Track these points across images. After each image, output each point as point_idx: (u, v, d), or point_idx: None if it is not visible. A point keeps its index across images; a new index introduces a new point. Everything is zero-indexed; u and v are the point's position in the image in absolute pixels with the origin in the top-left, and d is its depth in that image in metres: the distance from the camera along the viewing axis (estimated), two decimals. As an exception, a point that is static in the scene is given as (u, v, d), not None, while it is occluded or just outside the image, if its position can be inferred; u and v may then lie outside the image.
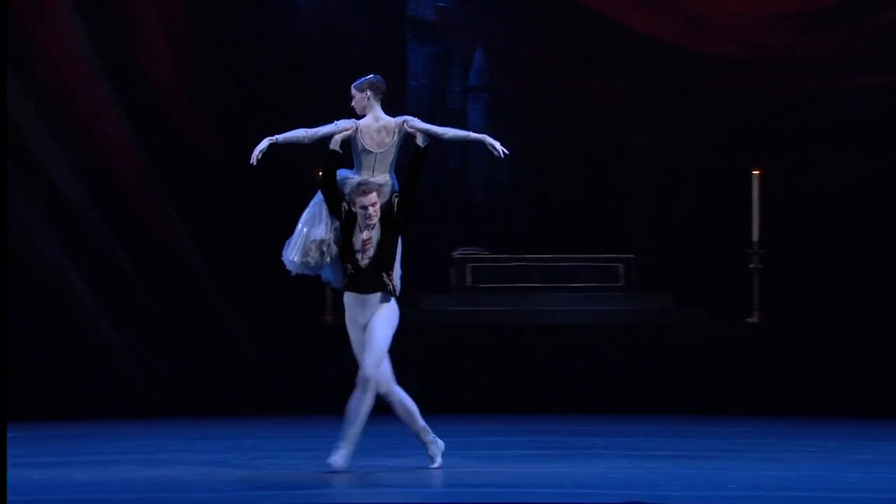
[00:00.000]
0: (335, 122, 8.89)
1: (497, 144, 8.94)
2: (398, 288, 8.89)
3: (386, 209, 8.72)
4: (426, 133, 8.86)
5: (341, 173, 8.86)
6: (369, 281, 8.71)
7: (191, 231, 14.35)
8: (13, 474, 8.74)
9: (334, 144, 8.81)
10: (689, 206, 15.19)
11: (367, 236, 8.68)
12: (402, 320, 9.02)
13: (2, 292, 9.85)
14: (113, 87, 14.05)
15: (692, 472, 8.94)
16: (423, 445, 8.95)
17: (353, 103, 8.96)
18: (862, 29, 15.02)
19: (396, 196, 8.76)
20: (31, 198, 13.86)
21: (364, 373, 8.76)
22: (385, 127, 8.83)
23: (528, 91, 15.31)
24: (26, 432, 12.03)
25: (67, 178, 13.98)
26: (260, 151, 8.73)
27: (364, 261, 8.68)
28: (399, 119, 8.89)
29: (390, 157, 8.82)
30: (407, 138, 8.89)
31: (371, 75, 9.02)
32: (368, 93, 8.87)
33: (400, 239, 8.89)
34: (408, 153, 9.03)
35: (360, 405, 8.77)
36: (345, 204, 8.72)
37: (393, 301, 8.83)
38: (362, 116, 8.89)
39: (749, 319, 13.99)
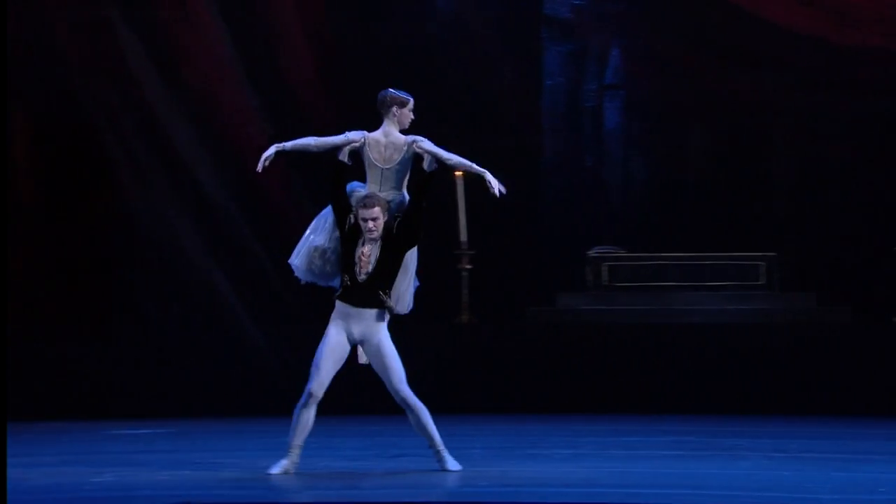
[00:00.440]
0: (345, 133, 8.82)
1: (495, 183, 8.81)
2: (403, 306, 8.79)
3: (389, 227, 8.65)
4: (433, 156, 8.74)
5: (352, 185, 8.82)
6: (364, 296, 8.62)
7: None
8: (165, 469, 8.89)
9: (342, 156, 8.74)
10: (833, 203, 14.92)
11: (368, 251, 8.62)
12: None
13: (2, 292, 9.96)
14: (255, 90, 14.24)
15: (841, 474, 8.76)
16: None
17: (402, 117, 8.81)
18: None
19: (397, 217, 8.68)
20: (177, 198, 14.11)
21: (401, 395, 8.77)
22: (393, 143, 8.74)
23: (665, 88, 15.16)
24: (173, 429, 12.23)
25: (211, 180, 14.20)
26: (266, 158, 8.72)
27: (361, 275, 8.62)
28: (409, 138, 8.79)
29: (399, 174, 8.75)
30: (417, 160, 8.79)
31: (392, 90, 8.89)
32: (395, 108, 8.77)
33: (415, 258, 8.80)
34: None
35: (420, 420, 8.80)
36: (351, 216, 8.68)
37: (384, 318, 8.71)
38: (402, 130, 8.82)
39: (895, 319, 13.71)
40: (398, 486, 8.31)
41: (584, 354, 13.73)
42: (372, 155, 8.72)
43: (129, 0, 14.25)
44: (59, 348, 13.89)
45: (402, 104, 8.78)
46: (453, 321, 14.24)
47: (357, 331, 8.66)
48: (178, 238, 14.12)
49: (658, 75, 15.20)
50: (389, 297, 8.67)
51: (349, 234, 8.64)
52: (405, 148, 8.72)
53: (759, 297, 13.97)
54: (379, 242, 8.61)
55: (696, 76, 15.10)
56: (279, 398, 13.54)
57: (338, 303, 8.68)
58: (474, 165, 8.86)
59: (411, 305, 8.93)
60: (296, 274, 8.90)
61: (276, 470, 8.64)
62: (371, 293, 8.61)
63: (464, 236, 14.20)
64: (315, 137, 8.82)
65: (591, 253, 14.38)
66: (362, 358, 8.85)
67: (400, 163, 8.71)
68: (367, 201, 8.59)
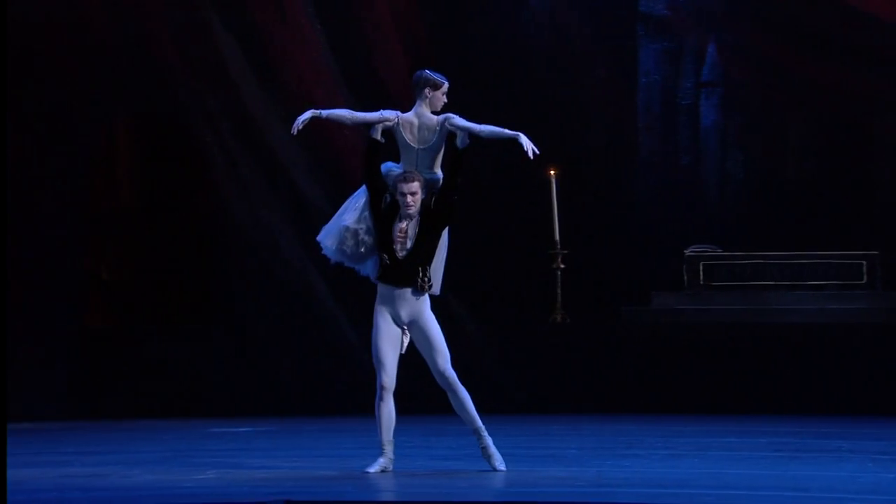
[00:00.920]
0: (380, 111, 8.76)
1: (529, 144, 8.63)
2: (437, 287, 8.70)
3: (426, 205, 8.61)
4: (465, 131, 8.67)
5: (387, 166, 8.76)
6: (404, 273, 8.57)
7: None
8: (264, 467, 8.97)
9: (375, 133, 8.71)
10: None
11: (405, 227, 8.57)
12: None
13: (2, 292, 10.02)
14: (350, 90, 14.32)
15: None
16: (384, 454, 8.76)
17: (434, 99, 8.77)
18: None
19: (433, 194, 8.64)
20: (273, 199, 14.23)
21: (445, 376, 8.66)
22: (426, 124, 8.70)
23: (763, 84, 15.01)
24: (271, 427, 12.34)
25: (307, 180, 14.30)
26: (302, 121, 8.72)
27: (401, 252, 8.57)
28: (441, 116, 8.72)
29: (434, 154, 8.71)
30: (450, 138, 8.73)
31: (429, 71, 8.84)
32: (427, 89, 8.73)
33: (446, 240, 8.75)
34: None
35: (462, 404, 8.69)
36: (387, 195, 8.64)
37: (426, 296, 8.64)
38: (435, 111, 8.76)
39: None
40: (493, 486, 8.31)
41: (680, 354, 13.63)
42: (405, 135, 8.70)
43: (227, 3, 14.40)
44: (159, 348, 14.07)
45: (436, 86, 8.74)
46: (547, 320, 14.21)
47: (404, 313, 8.63)
48: (274, 238, 14.24)
49: (756, 71, 15.05)
50: (429, 276, 8.64)
51: (386, 214, 8.62)
52: (438, 128, 8.69)
53: (860, 296, 13.77)
54: (417, 219, 8.59)
55: (795, 71, 14.93)
56: (374, 397, 13.63)
57: (379, 286, 8.66)
58: (505, 130, 8.74)
59: (440, 290, 8.84)
60: (324, 252, 8.85)
61: (373, 469, 8.68)
62: (411, 270, 8.57)
63: (557, 235, 14.17)
64: (350, 111, 8.83)
65: (688, 252, 14.27)
66: (402, 347, 8.80)
67: (433, 143, 8.69)
68: (407, 175, 8.59)
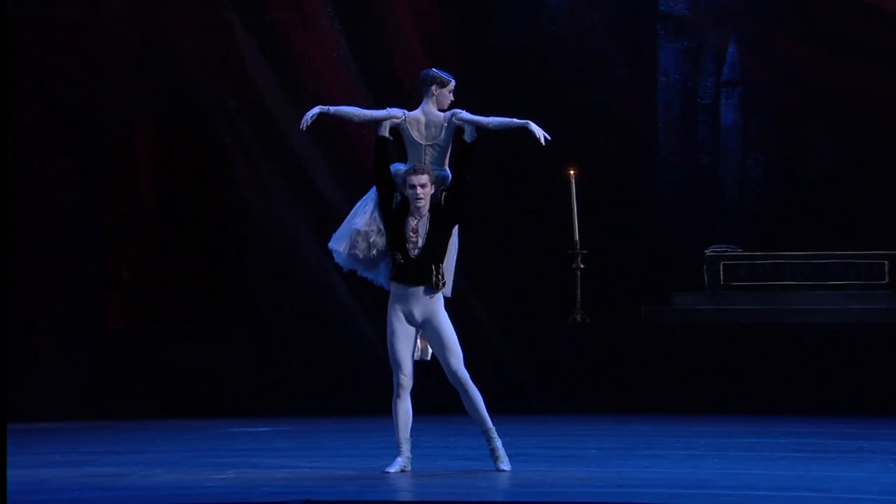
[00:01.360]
0: (387, 108, 8.77)
1: (539, 131, 8.62)
2: (448, 286, 8.69)
3: (435, 202, 8.60)
4: (473, 124, 8.67)
5: (395, 166, 8.76)
6: (417, 272, 8.56)
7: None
8: (284, 467, 8.98)
9: (382, 130, 8.73)
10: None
11: (416, 225, 8.56)
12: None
13: (2, 292, 10.03)
14: (370, 91, 14.33)
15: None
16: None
17: (441, 97, 8.78)
18: None
19: (443, 190, 8.63)
20: (293, 199, 14.25)
21: (458, 376, 8.65)
22: (433, 121, 8.71)
23: (784, 83, 14.97)
24: (291, 427, 12.35)
25: (327, 180, 14.32)
26: (311, 117, 8.76)
27: (414, 251, 8.56)
28: (448, 113, 8.73)
29: (442, 151, 8.70)
30: (457, 132, 8.72)
31: (435, 70, 8.85)
32: (434, 87, 8.74)
33: (456, 241, 8.73)
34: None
35: (473, 404, 8.68)
36: (397, 194, 8.64)
37: (440, 296, 8.63)
38: (442, 109, 8.77)
39: None
40: (512, 486, 8.30)
41: (700, 354, 13.60)
42: (413, 133, 8.71)
43: (247, 4, 14.42)
44: (178, 348, 14.10)
45: (443, 84, 8.76)
46: (567, 320, 14.20)
47: (417, 312, 8.62)
48: (294, 238, 14.26)
49: (776, 70, 15.01)
50: (442, 273, 8.64)
51: (396, 213, 8.62)
52: (446, 124, 8.70)
53: (882, 296, 13.72)
54: (427, 216, 8.58)
55: (815, 71, 14.89)
56: (392, 396, 13.65)
57: (393, 285, 8.65)
58: (514, 120, 8.73)
59: (451, 292, 8.83)
60: (336, 260, 8.85)
61: (393, 469, 8.68)
62: (425, 269, 8.56)
63: (577, 235, 14.16)
64: (358, 108, 8.86)
65: (708, 252, 14.24)
66: (426, 354, 8.80)
67: (441, 139, 8.70)
68: (417, 168, 8.59)
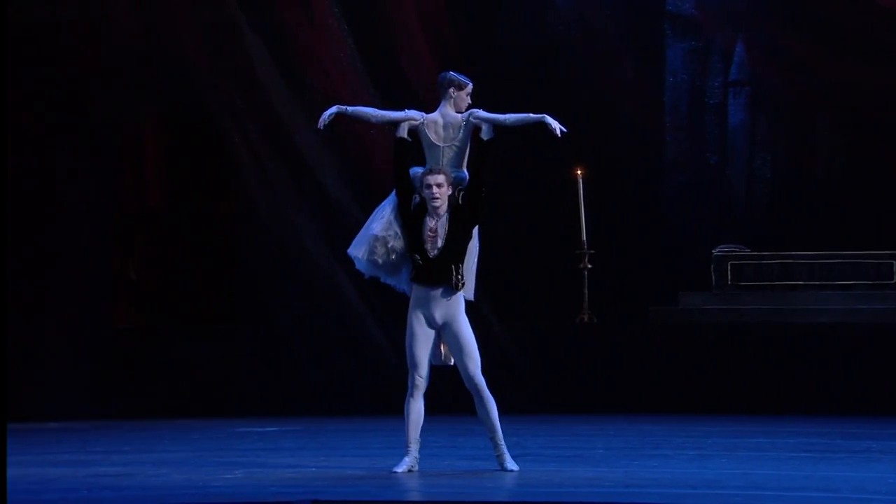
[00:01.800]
0: (405, 110, 8.78)
1: (555, 124, 8.66)
2: (471, 292, 8.71)
3: (453, 203, 8.61)
4: (490, 122, 8.70)
5: (413, 170, 8.75)
6: (437, 272, 8.55)
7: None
8: (292, 467, 8.98)
9: (401, 132, 8.73)
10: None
11: (435, 225, 8.56)
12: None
13: (2, 292, 10.03)
14: (377, 91, 14.34)
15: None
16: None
17: (458, 100, 8.80)
18: None
19: (461, 190, 8.63)
20: (301, 200, 14.26)
21: (474, 381, 8.66)
22: (451, 123, 8.74)
23: (792, 83, 14.95)
24: (298, 427, 12.35)
25: (334, 181, 14.32)
26: (328, 117, 8.78)
27: (433, 251, 8.56)
28: (465, 113, 8.76)
29: (459, 153, 8.72)
30: (475, 132, 8.73)
31: (453, 73, 8.87)
32: (452, 89, 8.77)
33: (477, 244, 8.73)
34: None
35: (487, 411, 8.70)
36: (416, 196, 8.64)
37: (461, 298, 8.63)
38: (459, 111, 8.78)
39: None
40: (520, 486, 8.30)
41: (707, 354, 13.59)
42: (430, 135, 8.73)
43: (255, 4, 14.43)
44: (186, 347, 14.10)
45: (461, 87, 8.79)
46: (574, 320, 14.19)
47: (438, 314, 8.61)
48: (301, 239, 14.26)
49: (784, 70, 14.99)
50: (462, 274, 8.62)
51: (415, 214, 8.63)
52: (463, 124, 8.73)
53: (890, 296, 13.70)
54: (446, 216, 8.59)
55: (824, 71, 14.86)
56: (401, 397, 13.65)
57: (413, 287, 8.65)
58: (530, 115, 8.78)
59: (473, 296, 8.83)
60: (357, 267, 8.85)
61: (400, 469, 8.68)
62: (444, 269, 8.56)
63: (584, 235, 14.15)
64: (375, 109, 8.88)
65: (716, 252, 14.23)
66: (450, 359, 8.79)
67: (459, 140, 8.72)
68: (434, 168, 8.61)
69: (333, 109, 8.84)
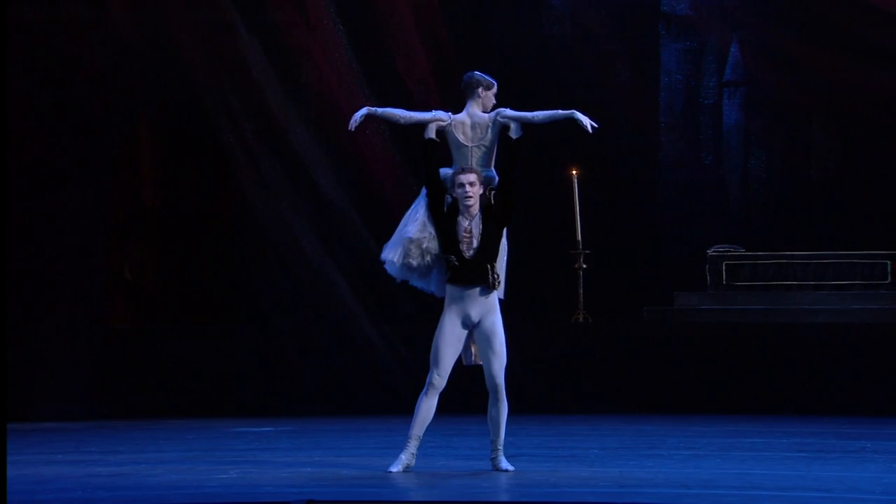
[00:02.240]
0: (433, 111, 8.80)
1: (586, 120, 8.70)
2: (502, 288, 8.72)
3: (485, 203, 8.63)
4: (518, 121, 8.73)
5: (443, 171, 8.77)
6: (474, 272, 8.57)
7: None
8: (287, 467, 8.99)
9: (429, 133, 8.74)
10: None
11: (470, 226, 8.59)
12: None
13: (2, 292, 10.04)
14: (372, 91, 14.35)
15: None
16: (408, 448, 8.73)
17: (486, 100, 8.83)
18: None
19: (492, 190, 8.65)
20: (296, 200, 14.26)
21: (496, 380, 8.69)
22: (478, 123, 8.77)
23: (787, 83, 14.98)
24: (293, 427, 12.35)
25: (329, 181, 14.33)
26: (359, 118, 8.77)
27: (468, 252, 8.58)
28: (492, 113, 8.79)
29: (488, 151, 8.74)
30: (503, 132, 8.74)
31: (478, 73, 8.89)
32: (480, 89, 8.79)
33: (506, 243, 8.75)
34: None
35: (498, 414, 8.72)
36: (448, 195, 8.65)
37: (496, 297, 8.66)
38: (486, 111, 8.80)
39: None
40: (515, 486, 8.31)
41: (702, 354, 13.61)
42: (458, 136, 8.75)
43: (250, 4, 14.43)
44: (181, 347, 14.10)
45: (488, 87, 8.83)
46: (569, 320, 14.20)
47: (474, 312, 8.62)
48: (296, 239, 14.27)
49: (778, 70, 15.01)
50: (497, 273, 8.64)
51: (448, 215, 8.64)
52: (490, 123, 8.75)
53: (884, 296, 13.73)
54: (479, 216, 8.60)
55: (818, 71, 14.89)
56: (396, 397, 13.67)
57: (448, 287, 8.65)
58: (559, 111, 8.82)
59: (504, 294, 8.85)
60: (389, 271, 8.85)
61: (396, 468, 8.68)
62: (480, 269, 8.58)
63: (580, 235, 14.16)
64: (404, 110, 8.87)
65: (710, 252, 14.25)
66: (479, 360, 8.81)
67: (488, 140, 8.74)
68: (465, 168, 8.64)
69: (363, 111, 8.86)
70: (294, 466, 9.20)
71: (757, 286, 14.06)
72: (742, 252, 14.27)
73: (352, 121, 8.83)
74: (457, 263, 8.61)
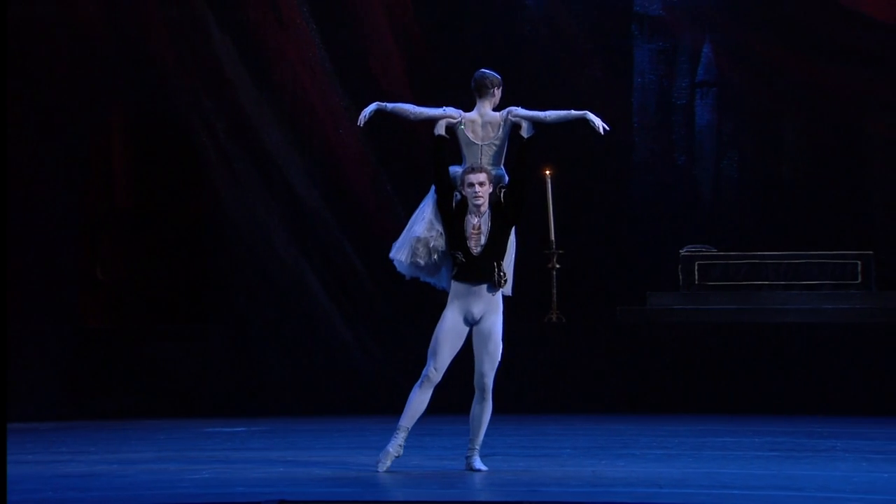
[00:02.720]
0: (443, 108, 8.79)
1: (598, 122, 8.74)
2: (509, 285, 8.72)
3: (495, 201, 8.63)
4: (530, 120, 8.74)
5: (451, 169, 8.77)
6: (480, 270, 8.57)
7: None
8: (259, 467, 8.97)
9: (439, 129, 8.73)
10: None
11: (479, 223, 8.58)
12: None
13: (2, 292, 10.01)
14: (345, 92, 14.33)
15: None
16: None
17: (497, 98, 8.84)
18: None
19: (502, 188, 8.66)
20: (269, 199, 14.24)
21: (485, 380, 8.73)
22: (490, 121, 8.76)
23: (759, 84, 15.03)
24: (266, 427, 12.33)
25: (302, 180, 14.31)
26: (369, 113, 8.74)
27: (476, 249, 8.57)
28: (503, 112, 8.79)
29: (497, 151, 8.74)
30: (514, 130, 8.75)
31: (487, 70, 8.90)
32: (495, 88, 8.81)
33: (514, 242, 8.75)
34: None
35: (481, 414, 8.75)
36: (457, 193, 8.65)
37: (500, 297, 8.67)
38: (495, 109, 8.82)
39: None
40: (488, 486, 8.31)
41: (675, 354, 13.64)
42: (468, 134, 8.73)
43: (222, 2, 14.40)
44: (153, 347, 14.06)
45: (499, 85, 8.86)
46: (543, 320, 14.21)
47: (477, 309, 8.61)
48: (269, 238, 14.25)
49: (750, 71, 15.06)
50: (504, 271, 8.63)
51: (456, 212, 8.62)
52: (502, 122, 8.73)
53: (855, 296, 13.80)
54: (489, 213, 8.59)
55: (790, 72, 14.95)
56: (369, 397, 13.67)
57: (454, 283, 8.62)
58: (572, 111, 8.85)
59: (511, 291, 8.86)
60: (399, 270, 8.84)
61: (382, 464, 8.65)
62: (487, 267, 8.56)
63: (553, 235, 14.17)
64: (414, 105, 8.84)
65: (683, 252, 14.29)
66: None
67: (498, 138, 8.72)
68: (475, 167, 8.62)
69: (373, 106, 8.80)
70: (266, 466, 9.18)
71: (729, 286, 14.11)
72: (714, 252, 14.31)
73: (361, 116, 8.79)
74: (463, 260, 8.59)
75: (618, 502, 7.70)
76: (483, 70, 8.92)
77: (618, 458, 9.57)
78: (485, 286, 8.60)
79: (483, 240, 8.59)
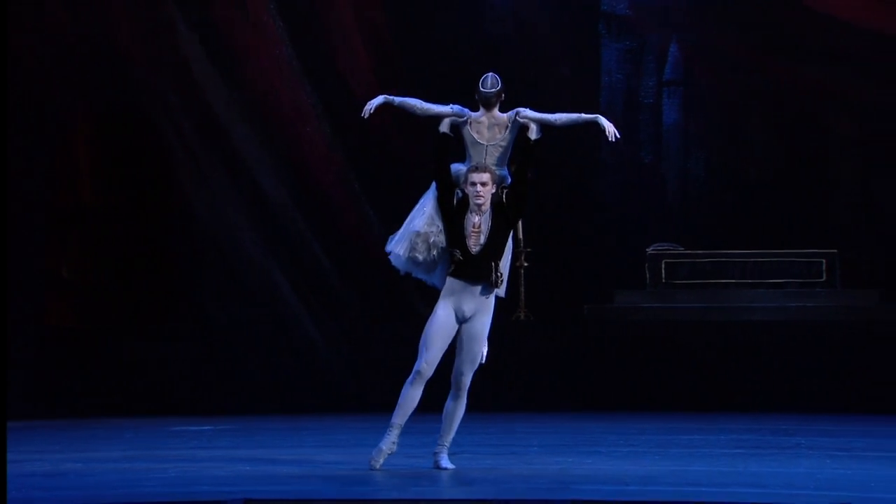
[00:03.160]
0: (450, 105, 8.75)
1: (610, 126, 8.72)
2: (503, 286, 8.73)
3: (496, 200, 8.62)
4: (538, 122, 8.72)
5: (454, 167, 8.75)
6: (478, 268, 8.55)
7: (388, 230, 14.51)
8: (226, 465, 8.95)
9: (444, 127, 8.68)
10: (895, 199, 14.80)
11: (479, 222, 8.57)
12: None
13: (2, 292, 9.98)
14: (313, 90, 14.31)
15: (903, 473, 8.68)
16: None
17: (498, 100, 8.83)
18: None
19: (504, 188, 8.66)
20: (236, 198, 14.22)
21: (463, 378, 8.72)
22: (496, 123, 8.74)
23: (725, 83, 15.09)
24: (233, 425, 12.31)
25: (270, 179, 14.29)
26: (374, 106, 8.67)
27: (475, 248, 8.56)
28: (510, 113, 8.77)
29: (502, 151, 8.72)
30: (521, 131, 8.75)
31: (494, 75, 8.90)
32: (503, 96, 8.81)
33: (511, 244, 8.74)
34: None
35: (454, 413, 8.76)
36: (458, 190, 8.63)
37: (493, 300, 8.66)
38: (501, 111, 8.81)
39: (959, 316, 13.58)
40: (456, 484, 8.32)
41: (642, 352, 13.69)
42: (474, 134, 8.69)
43: (190, 1, 14.36)
44: (120, 347, 14.02)
45: (504, 90, 8.79)
46: (511, 318, 14.24)
47: (468, 307, 8.58)
48: (237, 237, 14.23)
49: (717, 71, 15.13)
50: (501, 272, 8.63)
51: (457, 210, 8.60)
52: (509, 124, 8.70)
53: (819, 294, 13.88)
54: (489, 213, 8.57)
55: (756, 71, 15.02)
56: (337, 395, 13.67)
57: (449, 279, 8.57)
58: (582, 115, 8.81)
59: (505, 292, 8.85)
60: (394, 263, 8.77)
61: (375, 461, 8.63)
62: (484, 266, 8.54)
63: (521, 233, 14.19)
64: (422, 101, 8.77)
65: (650, 250, 14.34)
66: (483, 358, 8.78)
67: (505, 140, 8.70)
68: (479, 166, 8.58)
69: (380, 99, 8.72)
70: (233, 465, 9.16)
71: (695, 284, 14.16)
72: (681, 250, 14.37)
73: (366, 107, 8.69)
74: (461, 258, 8.56)
75: (584, 500, 7.71)
76: (485, 86, 8.74)
77: (585, 456, 9.59)
78: (479, 286, 8.59)
79: (482, 239, 8.57)
